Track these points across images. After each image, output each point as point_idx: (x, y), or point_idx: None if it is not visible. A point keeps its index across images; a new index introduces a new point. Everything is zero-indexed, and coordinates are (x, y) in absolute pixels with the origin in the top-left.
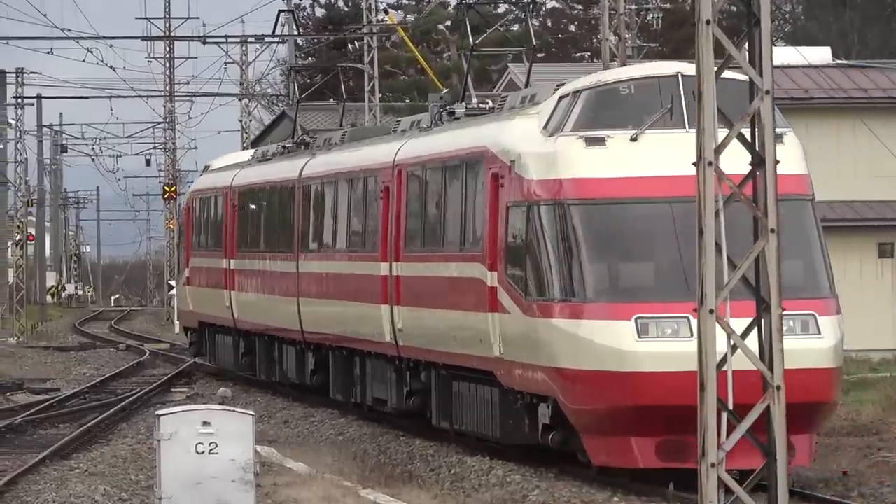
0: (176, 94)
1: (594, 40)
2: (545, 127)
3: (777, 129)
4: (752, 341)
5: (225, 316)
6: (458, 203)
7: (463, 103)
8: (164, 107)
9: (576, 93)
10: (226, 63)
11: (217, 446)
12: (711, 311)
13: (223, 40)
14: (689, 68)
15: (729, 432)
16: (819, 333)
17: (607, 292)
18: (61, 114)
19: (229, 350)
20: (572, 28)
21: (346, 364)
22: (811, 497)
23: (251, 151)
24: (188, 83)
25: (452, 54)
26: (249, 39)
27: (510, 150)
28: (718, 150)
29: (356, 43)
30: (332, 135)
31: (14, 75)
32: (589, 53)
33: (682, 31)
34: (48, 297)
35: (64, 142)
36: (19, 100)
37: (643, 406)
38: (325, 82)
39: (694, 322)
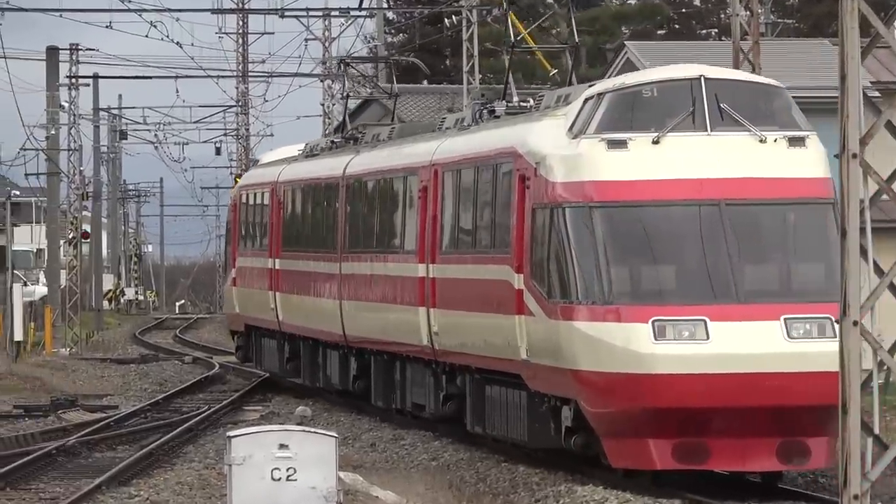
0: (250, 73)
1: (722, 15)
2: (571, 129)
3: (799, 133)
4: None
5: (270, 318)
6: (489, 204)
7: (504, 101)
8: (237, 88)
9: (600, 95)
10: (306, 39)
11: (295, 472)
12: (855, 323)
13: (303, 13)
14: (711, 71)
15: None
16: (835, 337)
17: (626, 294)
18: (120, 96)
19: (274, 354)
20: (697, 2)
21: (388, 369)
22: None
23: (301, 146)
24: (263, 62)
25: (562, 30)
26: (333, 13)
27: (536, 152)
28: (864, 140)
29: (453, 17)
30: (381, 130)
31: (68, 52)
32: (716, 30)
33: (822, 6)
34: (105, 303)
35: (123, 127)
36: (73, 80)
37: (659, 408)
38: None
39: (711, 324)
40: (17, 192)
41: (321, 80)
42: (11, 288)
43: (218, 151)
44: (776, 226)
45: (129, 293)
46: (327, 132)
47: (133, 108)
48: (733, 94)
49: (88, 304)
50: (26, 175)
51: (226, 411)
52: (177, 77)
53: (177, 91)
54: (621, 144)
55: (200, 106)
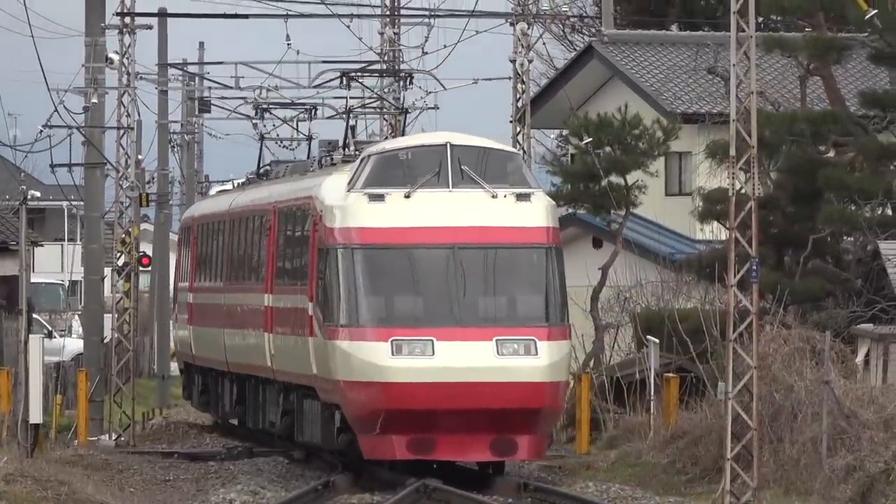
0: (402, 10)
1: None
2: (349, 183)
3: (526, 190)
4: (479, 359)
5: (187, 353)
6: (299, 243)
7: (342, 149)
8: (381, 34)
9: (368, 156)
10: None
11: None
12: None
13: None
14: (457, 138)
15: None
16: (537, 355)
17: (372, 319)
18: (202, 44)
19: (192, 387)
20: None
21: (256, 392)
22: None
23: (241, 180)
24: None
25: None
26: None
27: (322, 202)
28: None
29: None
30: (281, 168)
31: None
32: None
33: None
34: (173, 366)
35: (204, 94)
36: (127, 20)
37: (395, 410)
38: None
39: (437, 343)
40: (38, 193)
41: (511, 24)
42: (26, 342)
43: (352, 131)
44: (499, 265)
45: None
46: (521, 103)
47: (220, 63)
48: (473, 158)
49: (148, 368)
50: (52, 166)
51: None
52: (287, 16)
53: (287, 38)
54: (379, 198)
55: (324, 61)
